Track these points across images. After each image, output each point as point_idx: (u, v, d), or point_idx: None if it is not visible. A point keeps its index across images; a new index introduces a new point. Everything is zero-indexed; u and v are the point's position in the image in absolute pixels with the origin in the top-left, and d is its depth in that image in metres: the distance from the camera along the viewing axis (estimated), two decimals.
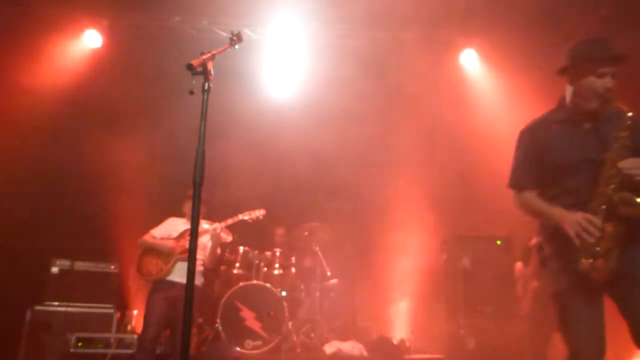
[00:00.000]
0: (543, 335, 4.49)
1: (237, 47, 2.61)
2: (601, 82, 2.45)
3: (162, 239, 4.56)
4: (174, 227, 4.66)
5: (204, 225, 4.65)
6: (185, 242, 4.31)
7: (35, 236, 5.95)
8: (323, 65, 6.87)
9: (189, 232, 4.27)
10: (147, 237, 4.58)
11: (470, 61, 7.13)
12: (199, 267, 4.53)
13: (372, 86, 6.86)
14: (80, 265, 5.75)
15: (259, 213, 4.81)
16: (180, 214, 4.83)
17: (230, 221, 4.65)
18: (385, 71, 6.86)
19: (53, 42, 6.63)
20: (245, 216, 4.73)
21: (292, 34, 6.76)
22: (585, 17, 6.05)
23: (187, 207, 4.64)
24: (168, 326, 4.43)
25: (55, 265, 5.69)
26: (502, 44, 6.97)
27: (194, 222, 2.26)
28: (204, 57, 2.44)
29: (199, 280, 4.61)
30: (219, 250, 4.74)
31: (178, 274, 4.37)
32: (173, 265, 4.36)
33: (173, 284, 4.35)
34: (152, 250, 4.52)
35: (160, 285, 4.35)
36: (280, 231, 6.76)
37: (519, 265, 4.73)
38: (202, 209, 4.66)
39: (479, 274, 5.72)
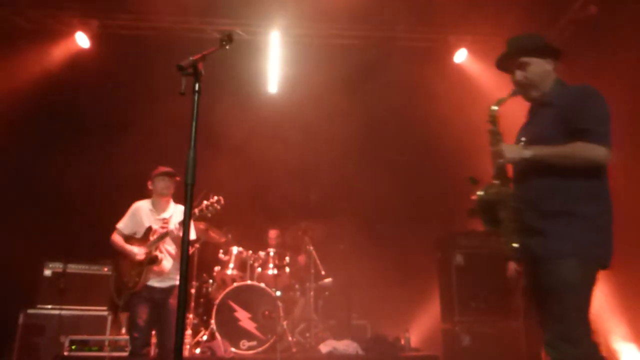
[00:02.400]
0: (537, 333, 4.51)
1: (227, 47, 2.60)
2: (513, 78, 2.78)
3: (130, 235, 4.34)
4: (140, 217, 4.36)
5: (175, 208, 4.42)
6: (149, 249, 4.15)
7: (28, 239, 5.90)
8: (319, 64, 6.86)
9: (152, 233, 4.17)
10: (114, 236, 4.35)
11: (463, 60, 7.14)
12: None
13: (364, 85, 6.88)
14: (73, 267, 5.70)
15: (215, 202, 4.07)
16: (146, 196, 4.45)
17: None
18: (376, 70, 6.87)
19: (42, 44, 6.60)
20: (198, 211, 4.11)
21: (286, 33, 6.75)
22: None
23: (158, 185, 4.33)
24: (155, 328, 4.22)
25: (48, 267, 5.64)
26: (493, 42, 7.00)
27: (186, 224, 2.25)
28: (194, 57, 2.43)
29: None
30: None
31: (152, 279, 4.16)
32: (145, 274, 4.13)
33: (151, 288, 4.15)
34: (124, 255, 4.33)
35: (139, 291, 4.15)
36: (273, 234, 6.76)
37: (512, 264, 4.74)
38: (172, 189, 4.35)
39: (473, 270, 5.74)
